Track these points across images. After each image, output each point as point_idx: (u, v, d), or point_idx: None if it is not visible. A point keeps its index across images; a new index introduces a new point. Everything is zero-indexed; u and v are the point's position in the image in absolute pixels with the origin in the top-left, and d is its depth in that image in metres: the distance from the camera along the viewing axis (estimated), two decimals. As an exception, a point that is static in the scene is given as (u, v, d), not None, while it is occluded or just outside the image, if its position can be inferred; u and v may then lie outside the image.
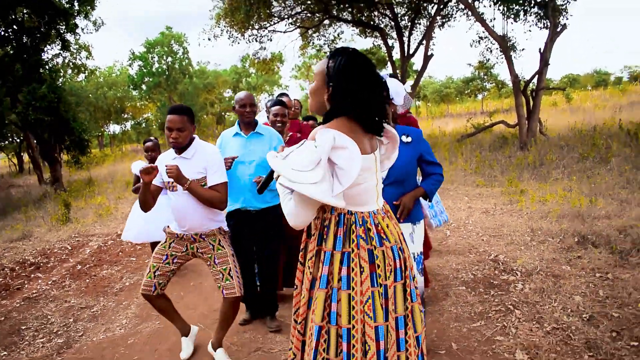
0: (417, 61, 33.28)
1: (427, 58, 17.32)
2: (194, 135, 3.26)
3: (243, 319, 4.06)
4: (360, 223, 1.90)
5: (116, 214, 9.54)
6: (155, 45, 34.32)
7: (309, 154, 1.76)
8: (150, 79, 34.30)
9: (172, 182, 3.18)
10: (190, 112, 3.21)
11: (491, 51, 18.07)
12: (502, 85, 39.48)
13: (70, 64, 20.03)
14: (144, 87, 35.48)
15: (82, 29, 16.62)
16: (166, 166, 3.04)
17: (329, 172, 1.76)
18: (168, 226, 3.38)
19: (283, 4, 16.29)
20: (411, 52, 18.49)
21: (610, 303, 3.71)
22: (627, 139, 10.73)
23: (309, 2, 16.75)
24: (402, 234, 2.06)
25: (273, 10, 16.15)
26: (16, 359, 3.80)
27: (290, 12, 16.99)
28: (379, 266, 1.88)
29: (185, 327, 3.60)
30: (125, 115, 42.60)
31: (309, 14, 17.65)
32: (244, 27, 15.47)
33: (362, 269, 1.85)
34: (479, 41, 18.02)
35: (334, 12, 17.74)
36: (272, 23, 17.03)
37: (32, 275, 5.95)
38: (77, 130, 14.76)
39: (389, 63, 22.60)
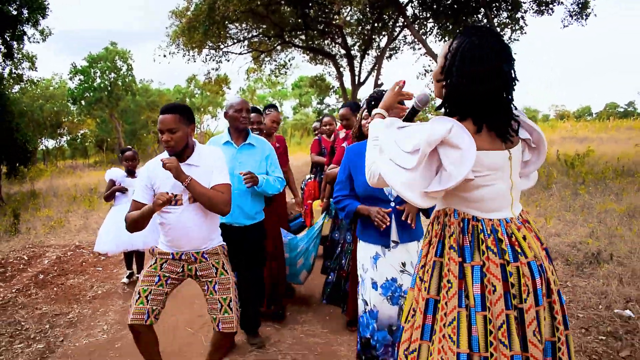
0: (367, 89, 34.42)
1: (377, 87, 18.02)
2: (193, 140, 2.86)
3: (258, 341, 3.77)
4: (489, 232, 1.66)
5: (69, 226, 9.25)
6: (98, 60, 33.48)
7: (416, 136, 1.60)
8: (91, 94, 33.31)
9: (176, 195, 2.72)
10: (185, 110, 2.78)
11: (436, 83, 19.03)
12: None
13: (12, 73, 19.28)
14: (83, 102, 34.39)
15: (29, 38, 16.15)
16: (162, 160, 2.64)
17: (429, 166, 1.61)
18: (156, 247, 2.93)
19: (240, 27, 16.53)
20: (362, 80, 19.13)
21: (575, 306, 4.09)
22: (565, 168, 11.59)
23: (264, 26, 17.08)
24: (545, 249, 1.79)
25: (231, 32, 16.35)
26: (-5, 365, 3.70)
27: (246, 35, 17.24)
28: (513, 285, 1.62)
29: None
30: (60, 131, 41.03)
31: (264, 37, 17.97)
32: (200, 46, 15.55)
33: (494, 288, 1.60)
34: (425, 74, 18.96)
35: (287, 37, 18.14)
36: (227, 45, 17.20)
37: (-8, 284, 5.72)
38: (19, 140, 14.20)
39: (338, 90, 23.32)
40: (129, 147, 5.63)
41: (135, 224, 2.73)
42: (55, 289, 5.47)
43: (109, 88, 34.08)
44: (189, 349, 3.80)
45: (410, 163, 1.57)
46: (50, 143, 45.63)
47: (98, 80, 34.15)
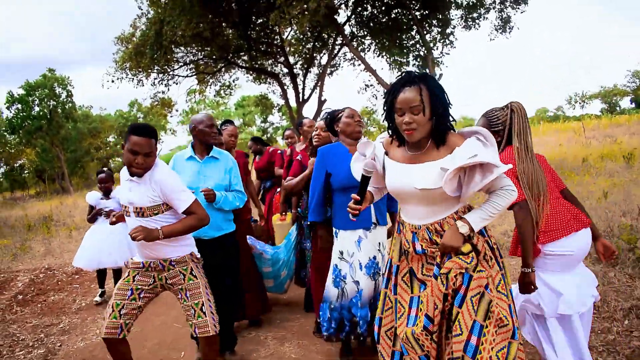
0: (312, 105, 35.22)
1: (320, 103, 18.84)
2: None
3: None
4: None
5: (33, 252, 9.41)
6: (36, 88, 32.79)
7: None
8: (31, 123, 32.49)
9: (125, 207, 2.87)
10: (156, 134, 2.81)
11: (376, 97, 20.07)
12: (385, 129, 42.94)
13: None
14: (21, 132, 33.45)
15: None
16: (130, 235, 2.66)
17: None
18: (131, 258, 3.02)
19: (186, 50, 16.98)
20: (305, 97, 19.89)
21: (506, 279, 4.89)
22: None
23: (208, 49, 17.58)
24: None
25: (177, 55, 16.79)
26: (2, 370, 4.06)
27: (192, 57, 17.69)
28: None
29: None
30: (-4, 162, 39.71)
31: (209, 60, 18.46)
32: (148, 70, 15.91)
33: None
34: (366, 88, 19.96)
35: (230, 58, 18.67)
36: (173, 69, 17.60)
37: (-27, 307, 5.96)
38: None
39: (283, 107, 24.00)
40: (103, 169, 5.89)
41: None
42: (39, 305, 5.81)
43: (49, 116, 33.34)
44: (180, 341, 4.29)
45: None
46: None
47: (37, 109, 33.37)
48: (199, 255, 3.07)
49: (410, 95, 2.08)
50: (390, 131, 2.31)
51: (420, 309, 2.19)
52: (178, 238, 2.91)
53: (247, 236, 4.50)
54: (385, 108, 2.24)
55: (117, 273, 5.84)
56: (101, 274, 5.85)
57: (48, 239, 10.94)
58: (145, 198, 2.79)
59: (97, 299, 5.79)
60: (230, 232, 3.76)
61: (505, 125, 2.65)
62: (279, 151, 5.97)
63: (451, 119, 2.17)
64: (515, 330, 2.07)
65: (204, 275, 3.03)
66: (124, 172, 2.90)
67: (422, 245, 2.20)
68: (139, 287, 2.90)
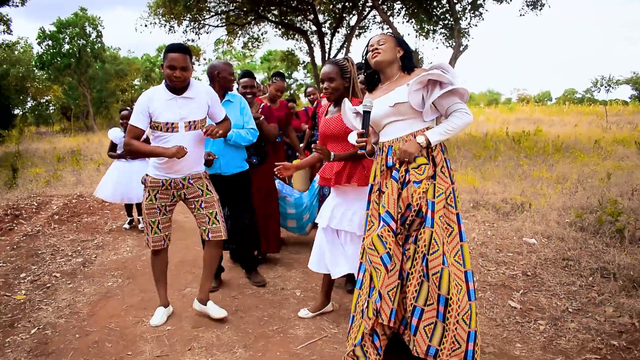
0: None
1: (346, 63, 19.08)
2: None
3: (212, 286, 4.00)
4: None
5: (64, 181, 10.09)
6: (67, 26, 33.23)
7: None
8: (60, 60, 33.05)
9: (172, 123, 3.12)
10: (190, 52, 3.15)
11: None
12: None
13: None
14: (50, 68, 34.02)
15: (9, 1, 16.53)
16: (208, 132, 3.14)
17: None
18: (147, 175, 3.31)
19: (218, 0, 17.27)
20: (331, 56, 20.12)
21: (495, 237, 5.39)
22: (512, 144, 13.03)
23: (239, 0, 17.85)
24: None
25: (210, 5, 17.10)
26: (47, 272, 4.63)
27: (224, 8, 17.98)
28: None
29: (167, 299, 3.61)
30: (24, 96, 40.44)
31: (240, 12, 18.73)
32: (180, 17, 16.28)
33: None
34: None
35: (261, 11, 18.93)
36: (204, 17, 17.94)
37: (15, 222, 6.63)
38: (2, 102, 14.70)
39: (308, 65, 24.23)
40: (126, 107, 6.32)
41: (136, 154, 3.28)
42: (74, 224, 6.46)
43: (78, 54, 33.83)
44: (200, 260, 4.88)
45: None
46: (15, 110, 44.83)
47: (67, 46, 33.86)
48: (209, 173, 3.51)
49: (377, 36, 2.73)
50: (366, 75, 2.85)
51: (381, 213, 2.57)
52: (202, 154, 3.39)
53: (277, 180, 4.94)
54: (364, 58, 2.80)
55: (139, 206, 6.37)
56: (127, 204, 6.41)
57: (78, 171, 11.63)
58: (200, 110, 3.21)
59: (126, 226, 6.37)
60: (246, 169, 4.15)
61: (352, 76, 3.26)
62: (303, 108, 6.41)
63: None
64: (462, 233, 2.49)
65: (215, 191, 3.43)
66: (157, 93, 3.14)
67: (392, 159, 2.59)
68: (163, 204, 3.30)
